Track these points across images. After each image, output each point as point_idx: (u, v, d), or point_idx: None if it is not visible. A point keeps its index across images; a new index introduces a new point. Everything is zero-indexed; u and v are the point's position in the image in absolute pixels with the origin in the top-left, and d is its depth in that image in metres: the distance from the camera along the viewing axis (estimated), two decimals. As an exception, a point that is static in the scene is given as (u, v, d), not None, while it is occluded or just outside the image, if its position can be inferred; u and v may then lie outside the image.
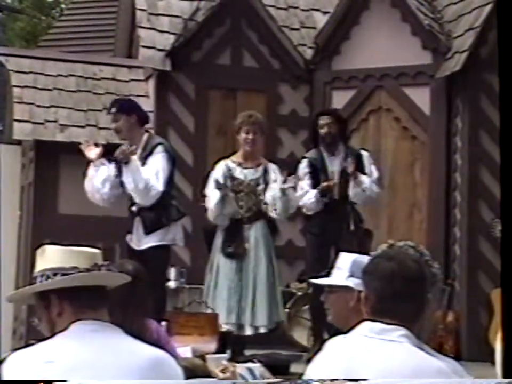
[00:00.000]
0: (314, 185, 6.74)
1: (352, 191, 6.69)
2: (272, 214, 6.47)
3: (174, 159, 6.36)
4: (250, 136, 6.48)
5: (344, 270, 3.42)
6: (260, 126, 6.56)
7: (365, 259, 3.39)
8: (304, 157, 6.92)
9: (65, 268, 2.55)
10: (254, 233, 6.49)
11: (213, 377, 4.24)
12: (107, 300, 2.56)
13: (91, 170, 6.25)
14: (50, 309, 2.54)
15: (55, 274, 2.55)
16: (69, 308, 2.51)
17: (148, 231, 6.20)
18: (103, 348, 2.44)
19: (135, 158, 6.15)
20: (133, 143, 6.24)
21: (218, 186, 6.39)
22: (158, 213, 6.20)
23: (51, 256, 2.61)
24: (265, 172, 6.55)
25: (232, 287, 6.38)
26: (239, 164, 6.56)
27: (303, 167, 6.82)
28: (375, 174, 6.83)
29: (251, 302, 6.39)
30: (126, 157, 6.08)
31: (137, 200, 6.17)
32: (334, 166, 6.81)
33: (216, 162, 6.67)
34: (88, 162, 6.24)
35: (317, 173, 6.75)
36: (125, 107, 6.35)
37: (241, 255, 6.41)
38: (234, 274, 6.41)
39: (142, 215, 6.22)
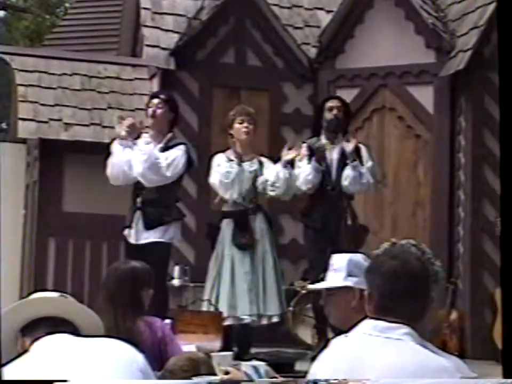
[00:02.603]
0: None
1: (348, 175, 6.64)
2: (272, 193, 6.50)
3: (190, 163, 6.40)
4: (245, 125, 6.54)
5: (341, 270, 3.44)
6: (254, 119, 6.63)
7: (359, 257, 3.41)
8: (304, 142, 6.94)
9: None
10: (259, 225, 6.55)
11: (216, 375, 4.25)
12: (67, 327, 2.65)
13: (117, 148, 6.28)
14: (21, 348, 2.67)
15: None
16: (28, 342, 2.63)
17: (149, 226, 6.23)
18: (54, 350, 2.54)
19: (145, 136, 6.25)
20: (156, 138, 6.32)
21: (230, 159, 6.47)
22: (160, 210, 6.24)
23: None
24: (261, 164, 6.61)
25: (249, 279, 6.42)
26: (237, 157, 6.57)
27: (303, 150, 6.83)
28: (370, 164, 6.80)
29: (262, 292, 6.44)
30: (135, 131, 6.17)
31: (141, 178, 6.20)
32: (332, 154, 6.80)
33: (215, 154, 6.70)
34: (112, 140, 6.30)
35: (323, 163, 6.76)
36: (172, 102, 6.47)
37: (252, 246, 6.47)
38: (248, 266, 6.45)
39: (144, 210, 6.25)
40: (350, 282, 3.38)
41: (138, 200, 6.29)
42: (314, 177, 6.66)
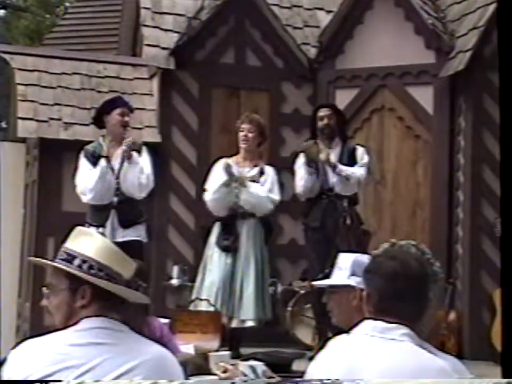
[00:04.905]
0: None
1: (335, 181, 6.74)
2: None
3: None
4: (245, 133, 6.76)
5: (345, 269, 3.46)
6: (258, 126, 6.80)
7: (365, 258, 3.42)
8: (302, 151, 7.00)
9: (112, 270, 2.57)
10: (246, 230, 6.71)
11: (214, 375, 4.25)
12: (127, 307, 2.61)
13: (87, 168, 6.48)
14: (75, 296, 2.57)
15: (100, 270, 2.55)
16: (96, 304, 2.54)
17: (128, 224, 6.34)
18: (110, 346, 2.48)
19: (135, 153, 6.42)
20: (122, 138, 6.53)
21: (227, 171, 6.62)
22: (139, 209, 6.44)
23: (96, 246, 2.59)
24: (261, 172, 6.78)
25: (225, 280, 6.53)
26: (237, 163, 6.80)
27: (300, 159, 6.92)
28: (365, 160, 6.88)
29: (239, 296, 6.55)
30: (129, 153, 6.38)
31: (133, 191, 6.38)
32: (330, 156, 6.85)
33: (217, 160, 6.90)
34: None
35: (314, 165, 6.82)
36: (98, 114, 6.75)
37: (235, 249, 6.60)
38: (227, 268, 6.59)
39: (122, 208, 6.35)
40: (352, 281, 3.40)
41: (115, 199, 6.36)
42: (307, 181, 6.74)
